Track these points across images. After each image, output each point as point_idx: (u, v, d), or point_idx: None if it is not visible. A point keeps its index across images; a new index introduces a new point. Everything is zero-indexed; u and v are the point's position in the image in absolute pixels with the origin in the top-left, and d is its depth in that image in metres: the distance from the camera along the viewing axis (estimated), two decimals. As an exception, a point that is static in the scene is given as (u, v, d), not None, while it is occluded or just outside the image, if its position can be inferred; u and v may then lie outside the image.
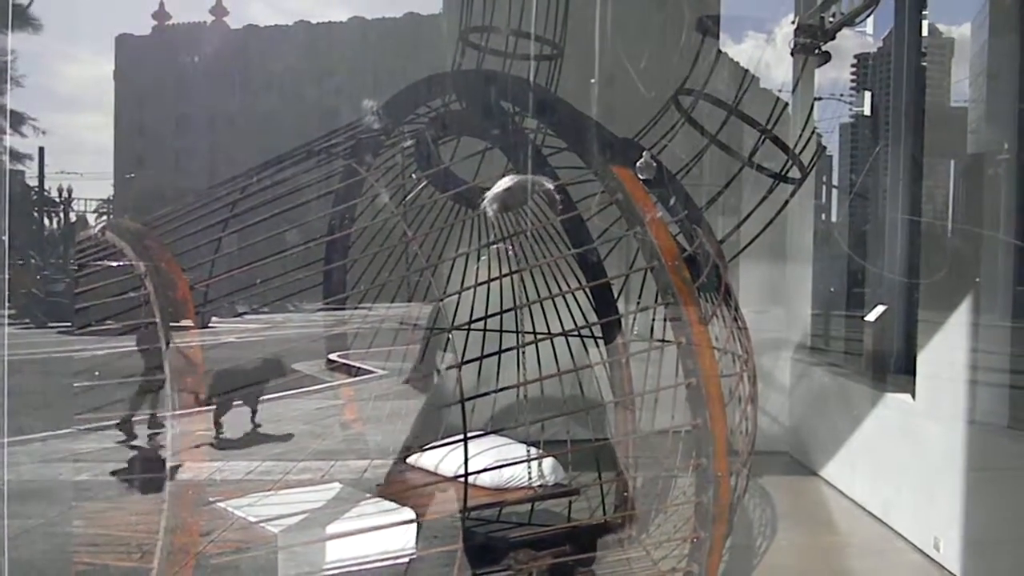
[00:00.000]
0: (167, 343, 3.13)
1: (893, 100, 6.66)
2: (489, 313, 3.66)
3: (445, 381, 4.81)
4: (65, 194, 19.01)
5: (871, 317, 6.64)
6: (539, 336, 4.05)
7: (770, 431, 7.08)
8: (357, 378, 5.16)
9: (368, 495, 4.01)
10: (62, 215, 19.24)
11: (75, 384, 4.14)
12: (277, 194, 3.94)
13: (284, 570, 3.36)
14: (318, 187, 4.22)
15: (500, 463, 3.88)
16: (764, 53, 6.00)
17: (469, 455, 3.37)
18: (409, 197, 4.34)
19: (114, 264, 3.41)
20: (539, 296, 3.81)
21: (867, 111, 9.19)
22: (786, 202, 4.69)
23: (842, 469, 6.55)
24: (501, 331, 4.08)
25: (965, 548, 4.66)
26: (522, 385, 3.87)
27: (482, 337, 3.96)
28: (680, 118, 4.61)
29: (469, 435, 3.30)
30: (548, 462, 4.20)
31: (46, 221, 18.95)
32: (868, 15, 6.46)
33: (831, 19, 6.17)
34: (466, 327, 3.93)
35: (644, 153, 3.85)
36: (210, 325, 3.77)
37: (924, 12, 6.51)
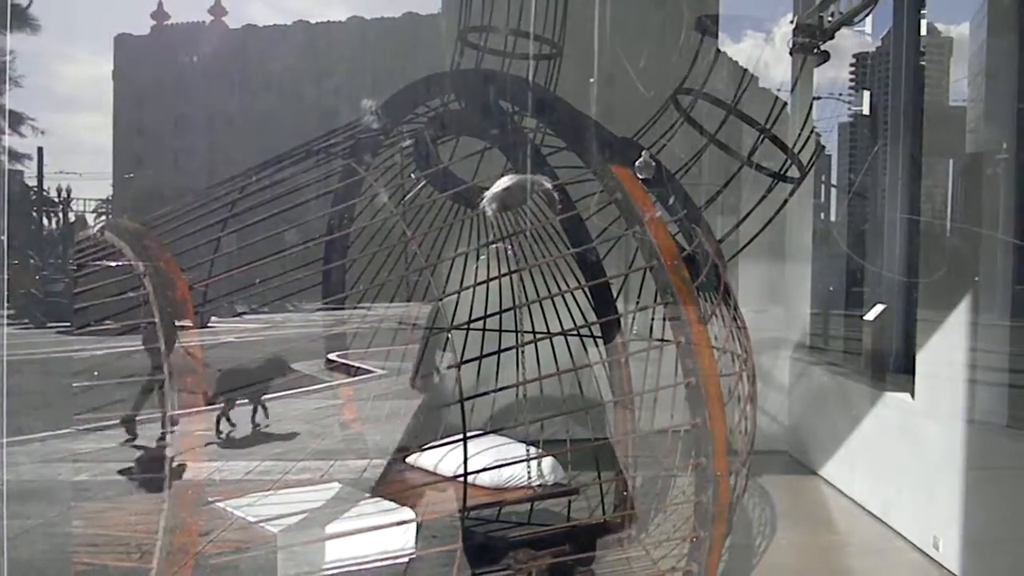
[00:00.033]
0: (170, 343, 3.13)
1: (892, 99, 6.66)
2: (488, 313, 3.66)
3: (444, 381, 4.81)
4: (64, 194, 19.00)
5: (870, 316, 6.64)
6: (538, 336, 4.06)
7: (769, 430, 7.08)
8: (356, 378, 5.16)
9: (367, 495, 4.01)
10: (61, 215, 19.23)
11: (74, 384, 4.14)
12: (276, 194, 3.94)
13: (284, 570, 3.36)
14: (317, 187, 4.22)
15: (499, 463, 3.88)
16: (763, 52, 6.00)
17: (468, 455, 3.37)
18: (408, 197, 4.34)
19: (113, 264, 3.41)
20: (538, 296, 3.81)
21: (866, 110, 9.21)
22: (785, 201, 4.69)
23: (841, 468, 6.55)
24: (500, 331, 4.08)
25: (964, 547, 4.66)
26: (521, 385, 3.87)
27: (481, 337, 3.97)
28: (679, 117, 4.61)
29: (468, 435, 3.31)
30: (547, 461, 4.20)
31: (45, 221, 18.95)
32: (867, 14, 6.46)
33: (830, 18, 6.17)
34: (465, 327, 3.93)
35: (643, 152, 3.85)
36: (209, 325, 3.77)
37: (923, 11, 6.51)
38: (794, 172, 4.63)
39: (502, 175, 3.74)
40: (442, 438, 4.36)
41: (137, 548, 3.37)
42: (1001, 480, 4.55)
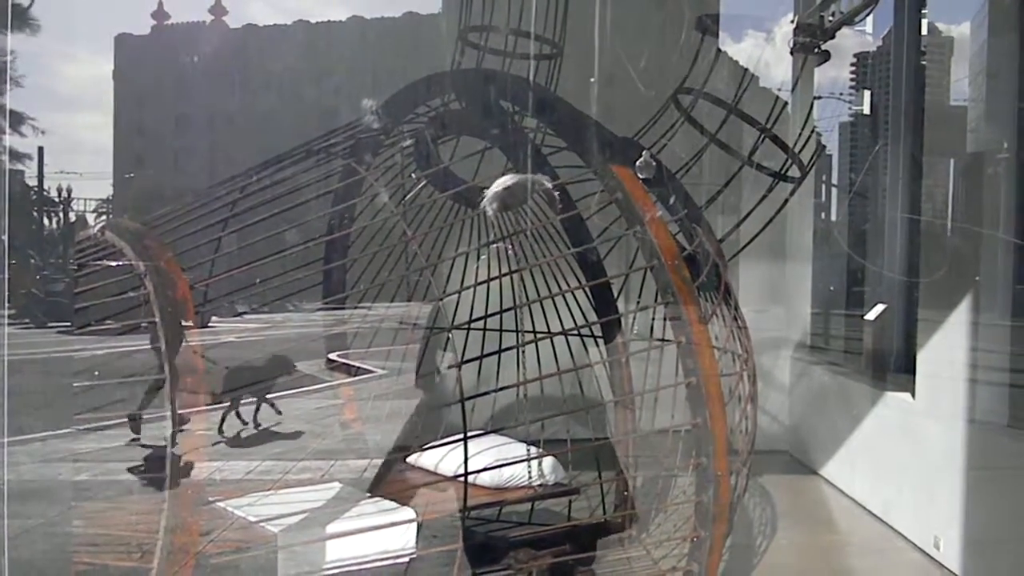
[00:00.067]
0: (177, 342, 3.13)
1: (893, 99, 6.65)
2: (489, 312, 3.65)
3: (445, 380, 4.81)
4: (64, 194, 19.00)
5: (871, 316, 6.64)
6: (539, 335, 4.05)
7: (770, 430, 7.08)
8: (357, 378, 5.16)
9: (368, 495, 4.01)
10: (61, 215, 19.23)
11: (75, 384, 4.14)
12: (277, 194, 3.94)
13: (284, 570, 3.36)
14: (317, 187, 4.22)
15: (500, 462, 3.89)
16: (763, 52, 6.00)
17: (469, 454, 3.37)
18: (409, 196, 4.34)
19: (114, 264, 3.41)
20: (539, 295, 3.81)
21: (866, 110, 9.19)
22: (786, 201, 4.69)
23: (842, 468, 6.55)
24: (501, 330, 4.07)
25: (965, 547, 4.66)
26: (522, 384, 3.87)
27: (482, 336, 3.97)
28: (680, 117, 4.61)
29: (469, 434, 3.31)
30: (548, 461, 4.20)
31: (45, 221, 18.95)
32: (867, 14, 6.45)
33: (830, 18, 6.17)
34: (466, 326, 3.93)
35: (644, 152, 3.84)
36: (210, 325, 3.77)
37: (923, 11, 6.51)
38: (795, 172, 4.63)
39: (503, 175, 3.74)
40: (443, 438, 4.36)
41: (138, 548, 3.38)
42: (1002, 480, 4.55)
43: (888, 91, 6.90)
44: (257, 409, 5.25)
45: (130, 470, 3.65)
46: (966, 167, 5.43)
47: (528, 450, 4.13)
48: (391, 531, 3.52)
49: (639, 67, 5.29)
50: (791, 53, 6.14)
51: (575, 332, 4.51)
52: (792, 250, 7.73)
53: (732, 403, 3.59)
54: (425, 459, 4.35)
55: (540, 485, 4.16)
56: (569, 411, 4.62)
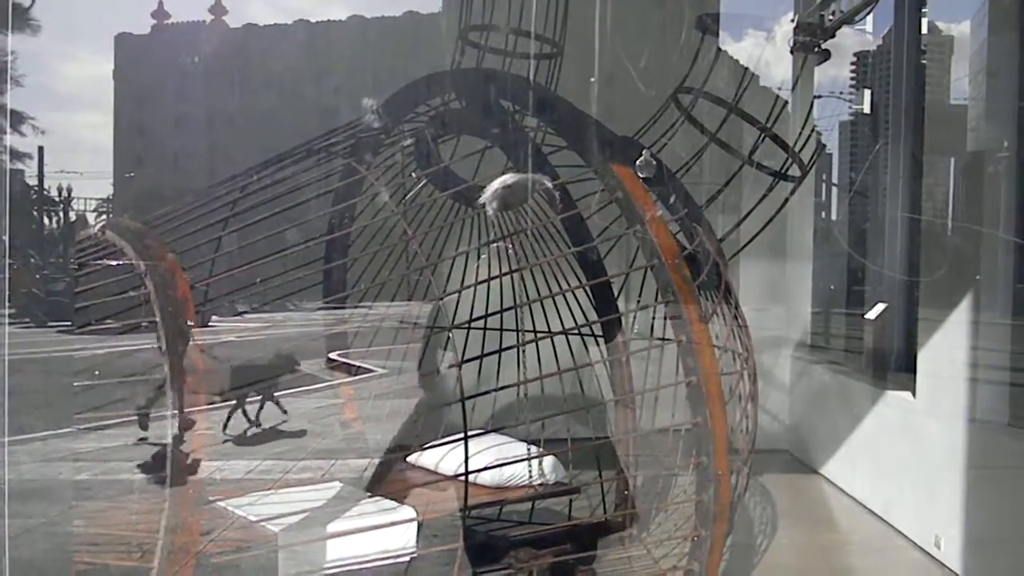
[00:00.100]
0: (183, 341, 3.13)
1: (893, 98, 6.65)
2: (489, 312, 3.65)
3: (445, 380, 4.81)
4: (65, 193, 19.01)
5: (871, 315, 6.64)
6: (539, 335, 4.05)
7: (770, 429, 7.08)
8: (357, 377, 5.16)
9: (368, 494, 4.01)
10: (62, 214, 19.24)
11: (75, 383, 4.14)
12: (277, 193, 3.94)
13: (284, 569, 3.36)
14: (318, 186, 4.22)
15: (500, 462, 3.89)
16: (764, 51, 6.00)
17: (469, 454, 3.37)
18: (409, 196, 4.34)
19: (114, 263, 3.41)
20: (539, 295, 3.81)
21: (867, 109, 9.19)
22: (786, 200, 4.69)
23: (842, 467, 6.55)
24: (501, 330, 4.07)
25: (966, 546, 4.66)
26: (522, 384, 3.87)
27: (482, 336, 3.97)
28: (680, 116, 4.60)
29: (469, 434, 3.31)
30: (548, 460, 4.20)
31: (46, 220, 18.95)
32: (868, 13, 6.45)
33: (831, 17, 6.17)
34: (466, 326, 3.93)
35: (644, 151, 3.84)
36: (210, 324, 3.77)
37: (924, 10, 6.51)
38: (795, 171, 4.62)
39: (503, 174, 3.74)
40: (443, 437, 4.36)
41: (138, 547, 3.38)
42: (1002, 479, 4.55)
43: (888, 90, 6.89)
44: (261, 407, 5.26)
45: (139, 467, 3.64)
46: (966, 166, 5.43)
47: (528, 449, 4.13)
48: (391, 530, 3.52)
49: (639, 66, 5.29)
50: (791, 52, 6.15)
51: (575, 331, 4.51)
52: (792, 249, 7.72)
53: (732, 402, 3.59)
54: (425, 458, 4.35)
55: (540, 484, 4.17)
56: (569, 410, 4.62)
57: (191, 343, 3.27)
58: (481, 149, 4.56)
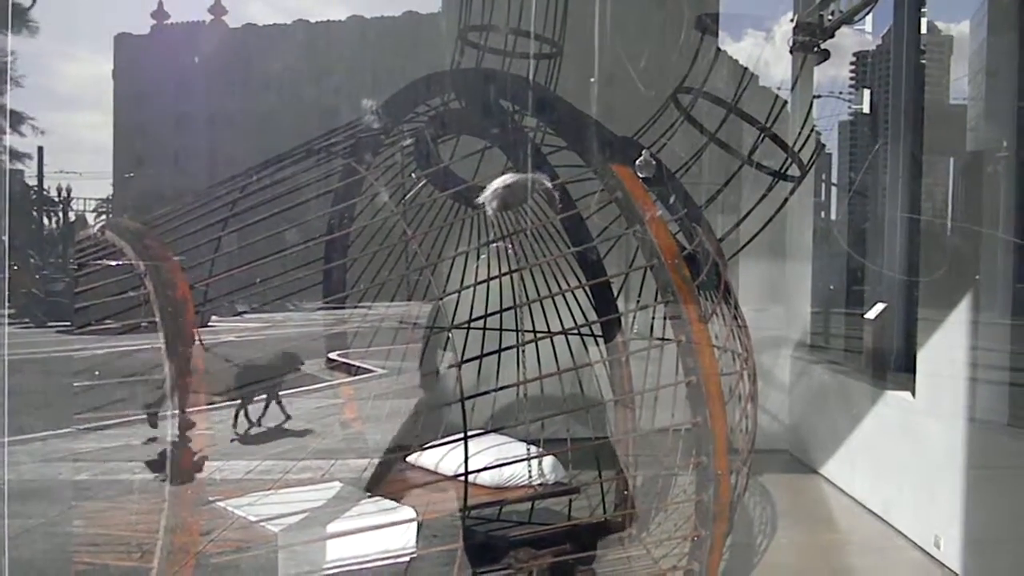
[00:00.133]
0: (175, 341, 3.13)
1: (892, 98, 6.66)
2: (489, 312, 3.66)
3: (445, 380, 4.81)
4: (64, 193, 19.01)
5: (871, 315, 6.64)
6: (539, 335, 4.05)
7: (770, 429, 7.08)
8: (357, 377, 5.16)
9: (368, 494, 4.01)
10: (61, 214, 19.23)
11: (75, 384, 4.14)
12: (277, 193, 3.94)
13: (284, 569, 3.36)
14: (317, 186, 4.22)
15: (500, 462, 3.89)
16: (763, 51, 6.00)
17: (469, 454, 3.37)
18: (408, 196, 4.34)
19: (114, 263, 3.41)
20: (539, 295, 3.81)
21: (866, 109, 9.21)
22: (785, 200, 4.69)
23: (842, 467, 6.55)
24: (501, 330, 4.07)
25: (965, 546, 4.66)
26: (522, 384, 3.87)
27: (482, 336, 3.97)
28: (679, 116, 4.60)
29: (469, 434, 3.31)
30: (548, 461, 4.20)
31: (45, 220, 18.95)
32: (867, 13, 6.46)
33: (830, 17, 6.18)
34: (466, 326, 3.93)
35: (643, 151, 3.84)
36: (210, 324, 3.77)
37: (923, 10, 6.51)
38: (794, 171, 4.62)
39: (502, 174, 3.74)
40: (443, 437, 4.36)
41: (138, 547, 3.37)
42: (1002, 479, 4.55)
43: (888, 90, 6.90)
44: (267, 406, 5.26)
45: (147, 463, 3.64)
46: (966, 166, 5.43)
47: (528, 449, 4.13)
48: (391, 531, 3.52)
49: (639, 66, 5.29)
50: (791, 52, 6.15)
51: (575, 331, 4.51)
52: (792, 249, 7.73)
53: (732, 402, 3.59)
54: (425, 458, 4.35)
55: (540, 484, 4.17)
56: (569, 410, 4.63)
57: (197, 343, 3.27)
58: (481, 149, 4.56)
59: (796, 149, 4.64)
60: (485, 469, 3.87)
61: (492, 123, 4.43)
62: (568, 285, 4.47)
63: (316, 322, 5.28)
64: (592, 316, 4.69)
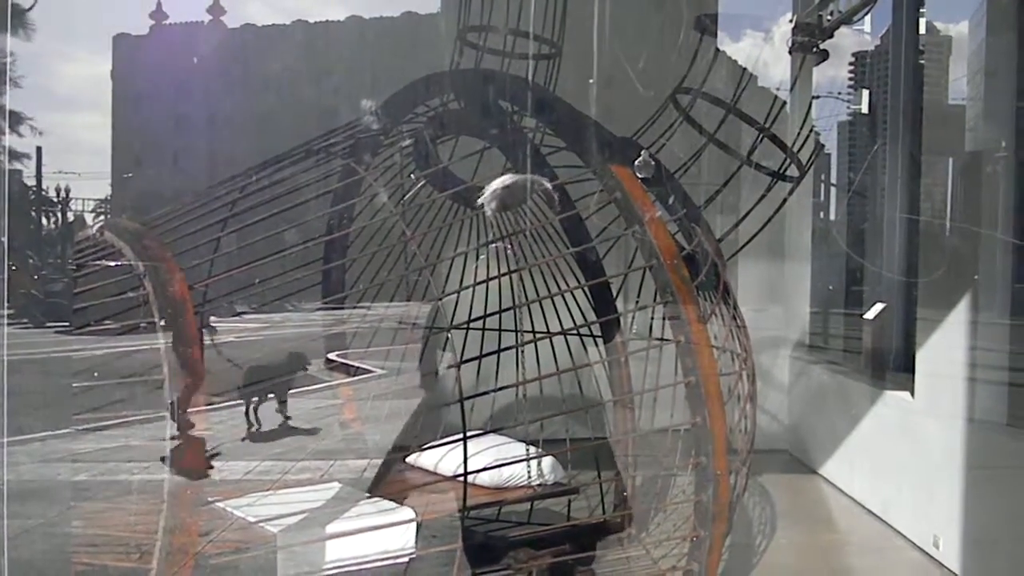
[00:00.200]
0: (175, 341, 3.13)
1: (891, 98, 6.66)
2: (488, 312, 3.66)
3: (444, 380, 4.81)
4: (63, 194, 19.01)
5: (870, 315, 6.64)
6: (538, 335, 4.05)
7: (769, 429, 7.08)
8: (356, 377, 5.16)
9: (367, 495, 4.01)
10: (60, 215, 19.23)
11: (74, 384, 4.14)
12: (276, 194, 3.94)
13: (283, 570, 3.35)
14: (317, 187, 4.21)
15: (499, 462, 3.88)
16: (762, 51, 6.00)
17: (468, 454, 3.37)
18: (408, 196, 4.34)
19: (113, 264, 3.41)
20: (538, 295, 3.81)
21: (865, 109, 9.20)
22: (784, 200, 4.69)
23: (841, 467, 6.55)
24: (500, 330, 4.07)
25: (965, 546, 4.66)
26: (521, 384, 3.87)
27: (481, 336, 3.97)
28: (678, 117, 4.61)
29: (468, 434, 3.31)
30: (547, 461, 4.20)
31: (44, 221, 18.95)
32: (866, 13, 6.46)
33: (829, 17, 6.17)
34: (465, 326, 3.93)
35: (642, 152, 3.85)
36: (211, 325, 3.77)
37: (922, 10, 6.51)
38: (793, 171, 4.63)
39: (502, 175, 3.74)
40: (442, 438, 4.36)
41: (137, 548, 3.37)
42: (1001, 479, 4.55)
43: (886, 90, 6.90)
44: (283, 405, 5.24)
45: (161, 459, 3.64)
46: (964, 166, 5.43)
47: (527, 450, 4.13)
48: (390, 531, 3.52)
49: (638, 67, 5.29)
50: (789, 52, 6.14)
51: (574, 332, 4.51)
52: (791, 249, 7.73)
53: (731, 402, 3.59)
54: (424, 459, 4.35)
55: (539, 485, 4.16)
56: (568, 411, 4.63)
57: (206, 342, 3.28)
58: (480, 150, 4.57)
59: (795, 149, 4.64)
60: (484, 469, 3.87)
61: (491, 124, 4.43)
62: (567, 286, 4.47)
63: (315, 323, 5.28)
64: (591, 316, 4.69)
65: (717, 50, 4.86)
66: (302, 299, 4.66)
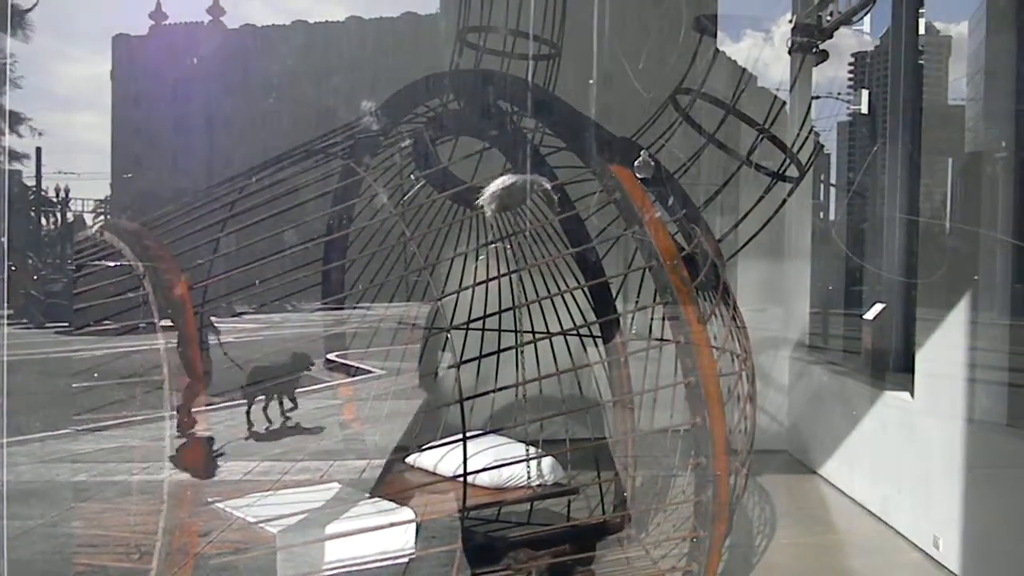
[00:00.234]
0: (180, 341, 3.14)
1: (891, 98, 6.66)
2: (488, 313, 3.66)
3: (444, 381, 4.81)
4: (63, 194, 19.01)
5: (870, 315, 6.64)
6: (538, 335, 4.05)
7: (769, 430, 7.08)
8: (356, 378, 5.16)
9: (367, 495, 4.01)
10: (60, 215, 19.23)
11: (74, 385, 4.14)
12: (275, 194, 3.94)
13: (283, 570, 3.35)
14: (316, 187, 4.21)
15: (499, 462, 3.88)
16: (761, 52, 5.99)
17: (468, 454, 3.37)
18: (407, 197, 4.34)
19: (112, 264, 3.41)
20: (538, 296, 3.81)
21: (865, 109, 9.18)
22: (784, 201, 4.68)
23: (841, 467, 6.55)
24: (500, 331, 4.07)
25: (964, 546, 4.66)
26: (521, 384, 3.87)
27: (481, 337, 3.96)
28: (678, 117, 4.60)
29: (468, 435, 3.31)
30: (547, 461, 4.20)
31: (44, 221, 18.94)
32: (865, 13, 6.45)
33: (828, 18, 6.17)
34: (465, 327, 3.93)
35: (642, 152, 3.85)
36: (214, 325, 3.77)
37: (921, 10, 6.51)
38: (793, 171, 4.62)
39: (501, 175, 3.74)
40: (442, 438, 4.36)
41: (136, 549, 3.37)
42: (1001, 479, 4.55)
43: (886, 90, 6.90)
44: (281, 405, 5.24)
45: (171, 459, 3.64)
46: (964, 166, 5.43)
47: (527, 450, 4.13)
48: (390, 532, 3.52)
49: (637, 67, 5.29)
50: (789, 53, 6.13)
51: (574, 332, 4.51)
52: (791, 250, 7.73)
53: (731, 403, 3.59)
54: (424, 459, 4.35)
55: (539, 485, 4.16)
56: (568, 411, 4.63)
57: (212, 342, 3.29)
58: (479, 150, 4.57)
59: (795, 150, 4.64)
60: (484, 470, 3.87)
61: (491, 124, 4.43)
62: (567, 286, 4.47)
63: (315, 323, 5.28)
64: (591, 317, 4.69)
65: (717, 50, 4.85)
66: (302, 299, 4.66)
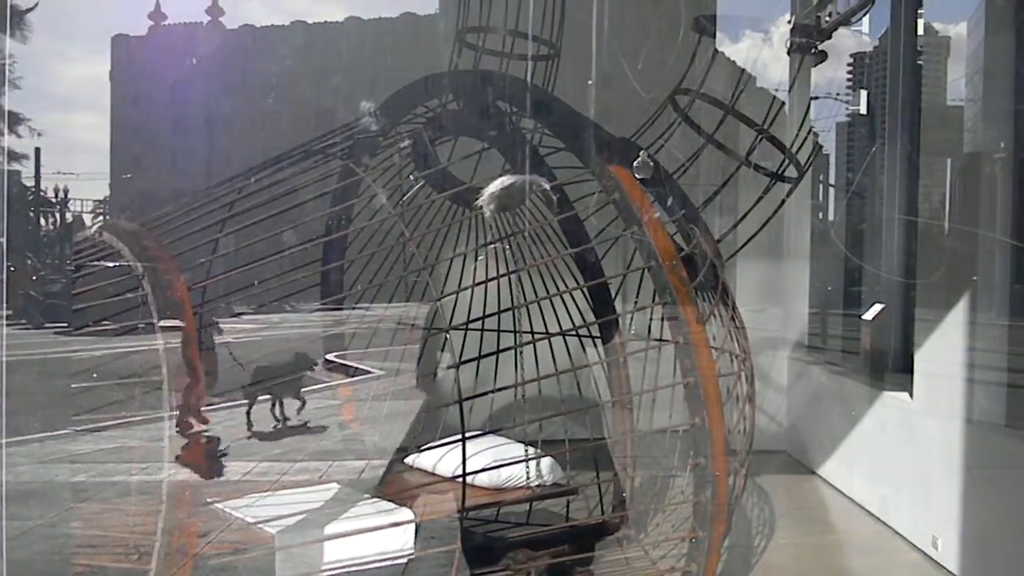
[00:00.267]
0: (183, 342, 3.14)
1: (889, 99, 6.66)
2: (487, 313, 3.66)
3: (443, 381, 4.81)
4: (62, 194, 18.97)
5: (868, 316, 6.65)
6: (537, 336, 4.05)
7: (768, 430, 7.08)
8: (355, 378, 5.15)
9: (366, 495, 4.01)
10: (59, 215, 19.20)
11: (73, 385, 4.14)
12: (274, 195, 3.94)
13: (282, 571, 3.36)
14: (315, 187, 4.21)
15: (498, 463, 3.89)
16: (760, 52, 5.99)
17: (467, 455, 3.37)
18: (406, 197, 4.34)
19: (111, 265, 3.41)
20: (537, 296, 3.81)
21: (863, 110, 9.19)
22: (783, 201, 4.69)
23: (840, 468, 6.55)
24: (499, 331, 4.07)
25: (963, 547, 4.66)
26: (520, 385, 3.87)
27: (480, 337, 3.96)
28: (677, 118, 4.61)
29: (467, 435, 3.31)
30: (546, 462, 4.20)
31: (43, 222, 18.92)
32: (864, 14, 6.45)
33: (827, 18, 6.17)
34: (464, 327, 3.93)
35: (641, 153, 3.85)
36: (214, 325, 3.77)
37: (920, 11, 6.51)
38: (792, 172, 4.62)
39: (500, 176, 3.74)
40: (441, 438, 4.36)
41: (135, 549, 3.37)
42: (1000, 479, 4.56)
43: (885, 91, 6.90)
44: (282, 405, 5.24)
45: (176, 458, 3.64)
46: (963, 167, 5.43)
47: (526, 450, 4.13)
48: (389, 532, 3.52)
49: (636, 68, 5.29)
50: (788, 53, 6.14)
51: (573, 333, 4.51)
52: (790, 250, 7.73)
53: (730, 403, 3.59)
54: (423, 460, 4.35)
55: (538, 486, 4.17)
56: (567, 412, 4.63)
57: (216, 342, 3.29)
58: (479, 151, 4.57)
59: (794, 150, 4.64)
60: (483, 470, 3.87)
61: (490, 125, 4.43)
62: (566, 286, 4.47)
63: (314, 323, 5.28)
64: (590, 317, 4.69)
65: (716, 51, 4.86)
66: (301, 300, 4.66)
